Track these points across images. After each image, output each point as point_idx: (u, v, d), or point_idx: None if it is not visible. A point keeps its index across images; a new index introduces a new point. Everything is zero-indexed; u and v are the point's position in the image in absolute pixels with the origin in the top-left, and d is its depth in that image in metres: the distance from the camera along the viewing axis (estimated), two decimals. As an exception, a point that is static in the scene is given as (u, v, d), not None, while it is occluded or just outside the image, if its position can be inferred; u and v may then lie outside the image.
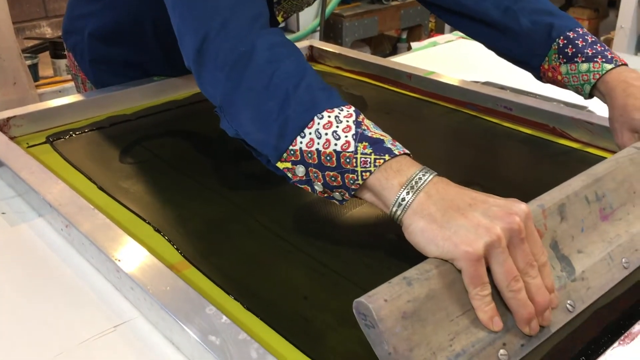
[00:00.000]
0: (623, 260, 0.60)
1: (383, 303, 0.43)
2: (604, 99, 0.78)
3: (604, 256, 0.59)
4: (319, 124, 0.52)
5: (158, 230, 0.69)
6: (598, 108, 1.02)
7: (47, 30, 2.55)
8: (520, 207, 0.47)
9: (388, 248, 0.66)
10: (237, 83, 0.57)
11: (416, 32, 3.37)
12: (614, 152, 0.87)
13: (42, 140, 0.91)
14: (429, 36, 3.27)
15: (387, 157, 0.50)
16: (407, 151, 0.52)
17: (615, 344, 0.51)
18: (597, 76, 0.76)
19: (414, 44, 1.58)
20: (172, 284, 0.55)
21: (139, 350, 0.53)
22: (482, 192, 0.51)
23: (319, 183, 0.53)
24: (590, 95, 0.79)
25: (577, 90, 0.80)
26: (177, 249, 0.65)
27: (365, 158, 0.50)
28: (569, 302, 0.52)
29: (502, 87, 1.11)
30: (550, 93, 1.09)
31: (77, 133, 0.93)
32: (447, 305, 0.46)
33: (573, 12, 3.20)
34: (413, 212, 0.48)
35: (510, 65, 0.95)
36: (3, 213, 0.75)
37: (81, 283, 0.62)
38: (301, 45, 1.29)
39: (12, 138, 0.90)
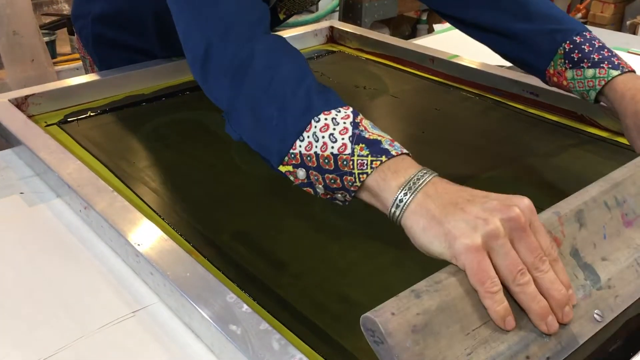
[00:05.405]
0: None
1: (390, 317, 0.40)
2: (611, 105, 0.76)
3: (630, 262, 0.55)
4: (316, 127, 0.52)
5: (177, 215, 0.68)
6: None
7: (65, 7, 2.53)
8: (521, 199, 0.46)
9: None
10: (238, 89, 0.58)
11: (436, 14, 3.33)
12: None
13: (61, 119, 0.90)
14: (449, 18, 3.21)
15: (383, 158, 0.49)
16: (405, 151, 0.51)
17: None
18: (603, 82, 0.75)
19: (436, 26, 1.55)
20: (192, 270, 0.54)
21: (159, 337, 0.52)
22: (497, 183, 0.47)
23: (320, 185, 0.53)
24: (596, 101, 0.78)
25: (583, 96, 0.79)
26: (199, 234, 0.64)
27: (362, 160, 0.50)
28: (596, 311, 0.49)
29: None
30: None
31: (95, 113, 0.92)
32: (463, 317, 0.43)
33: (599, -5, 3.13)
34: (411, 212, 0.47)
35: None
36: (21, 193, 0.74)
37: (99, 266, 0.61)
38: (322, 25, 1.27)
39: (30, 116, 0.89)
